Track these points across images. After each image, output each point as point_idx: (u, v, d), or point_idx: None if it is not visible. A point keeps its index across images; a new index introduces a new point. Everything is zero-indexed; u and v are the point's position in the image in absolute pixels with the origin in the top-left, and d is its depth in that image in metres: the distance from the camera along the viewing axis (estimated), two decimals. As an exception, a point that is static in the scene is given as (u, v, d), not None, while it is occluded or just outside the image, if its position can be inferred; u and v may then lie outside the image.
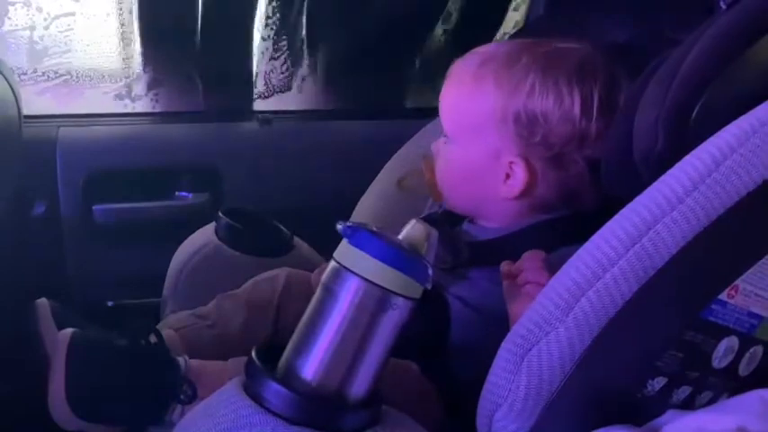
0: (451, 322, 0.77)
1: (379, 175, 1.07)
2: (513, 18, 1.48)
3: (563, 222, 0.77)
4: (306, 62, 1.39)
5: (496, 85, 0.74)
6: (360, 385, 0.52)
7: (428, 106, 1.37)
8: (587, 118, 0.73)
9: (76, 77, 1.33)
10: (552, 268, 0.63)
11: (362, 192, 1.06)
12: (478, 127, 0.75)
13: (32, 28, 1.30)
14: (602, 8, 0.92)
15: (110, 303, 1.18)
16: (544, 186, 0.75)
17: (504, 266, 0.69)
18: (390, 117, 1.40)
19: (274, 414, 0.50)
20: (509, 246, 0.75)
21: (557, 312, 0.53)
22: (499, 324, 0.68)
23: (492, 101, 0.74)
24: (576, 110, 0.73)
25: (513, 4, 1.45)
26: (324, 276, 0.54)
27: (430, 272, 0.54)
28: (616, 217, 0.55)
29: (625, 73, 0.77)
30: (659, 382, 0.56)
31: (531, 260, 0.68)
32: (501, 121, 0.74)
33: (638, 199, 0.55)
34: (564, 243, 0.69)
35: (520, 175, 0.74)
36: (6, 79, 0.90)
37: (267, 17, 1.34)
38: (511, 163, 0.75)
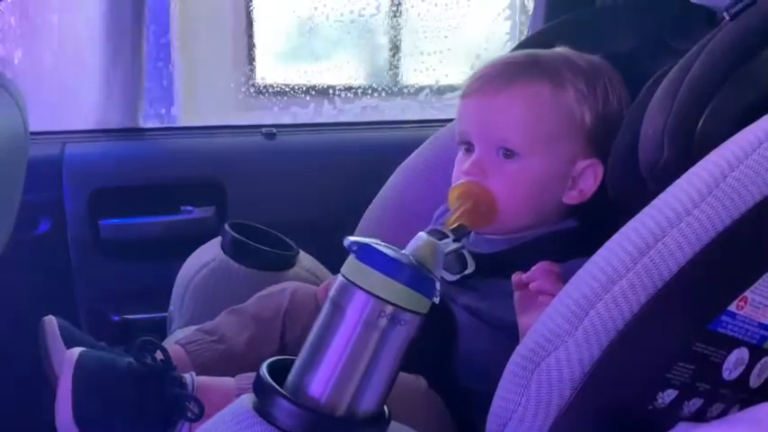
0: (459, 333, 0.76)
1: (384, 187, 1.07)
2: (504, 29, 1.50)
3: (571, 234, 0.77)
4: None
5: (578, 92, 0.74)
6: (369, 401, 0.52)
7: (430, 118, 1.38)
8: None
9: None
10: (564, 280, 0.62)
11: (367, 204, 1.06)
12: (558, 136, 0.74)
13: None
14: (604, 19, 0.92)
15: (116, 318, 1.18)
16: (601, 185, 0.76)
17: (516, 276, 0.69)
18: (393, 129, 1.40)
19: (284, 431, 0.50)
20: (517, 258, 0.75)
21: (566, 326, 0.53)
22: (507, 334, 0.68)
23: (577, 109, 0.74)
24: (625, 108, 0.76)
25: (504, 13, 1.48)
26: (331, 291, 0.54)
27: (437, 286, 0.54)
28: (623, 229, 0.55)
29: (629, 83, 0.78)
30: (669, 395, 0.55)
31: (544, 270, 0.68)
32: (585, 127, 0.75)
33: (645, 210, 0.55)
34: (571, 255, 0.69)
35: (598, 176, 0.75)
36: (13, 97, 0.90)
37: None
38: (587, 166, 0.75)
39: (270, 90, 1.43)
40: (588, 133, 0.75)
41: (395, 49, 1.51)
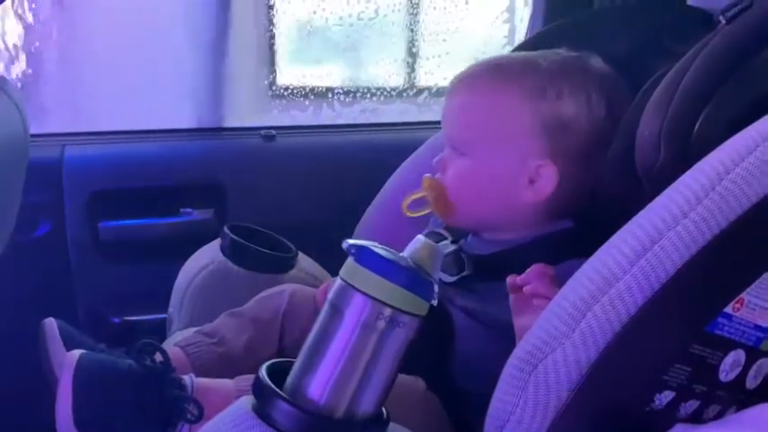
0: (456, 334, 0.77)
1: (383, 189, 1.07)
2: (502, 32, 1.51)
3: (567, 235, 0.77)
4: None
5: (522, 93, 0.75)
6: (368, 404, 0.52)
7: (430, 120, 1.38)
8: (612, 119, 0.75)
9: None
10: (559, 281, 0.63)
11: (366, 206, 1.06)
12: (503, 136, 0.76)
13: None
14: (602, 22, 0.93)
15: (116, 320, 1.19)
16: (569, 188, 0.76)
17: (510, 279, 0.69)
18: (393, 130, 1.41)
19: (283, 433, 0.50)
20: (513, 259, 0.75)
21: (563, 328, 0.53)
22: (504, 336, 0.68)
23: (519, 109, 0.75)
24: (602, 111, 0.76)
25: (502, 17, 1.48)
26: (330, 294, 0.54)
27: (435, 289, 0.54)
28: (620, 232, 0.55)
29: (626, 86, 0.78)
30: (666, 397, 0.56)
31: (538, 273, 0.68)
32: (529, 128, 0.75)
33: (642, 213, 0.55)
34: (568, 256, 0.70)
35: (551, 176, 0.75)
36: (12, 99, 0.90)
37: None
38: (539, 166, 0.75)
39: (268, 92, 1.44)
40: (538, 133, 0.75)
41: (411, 52, 1.51)
